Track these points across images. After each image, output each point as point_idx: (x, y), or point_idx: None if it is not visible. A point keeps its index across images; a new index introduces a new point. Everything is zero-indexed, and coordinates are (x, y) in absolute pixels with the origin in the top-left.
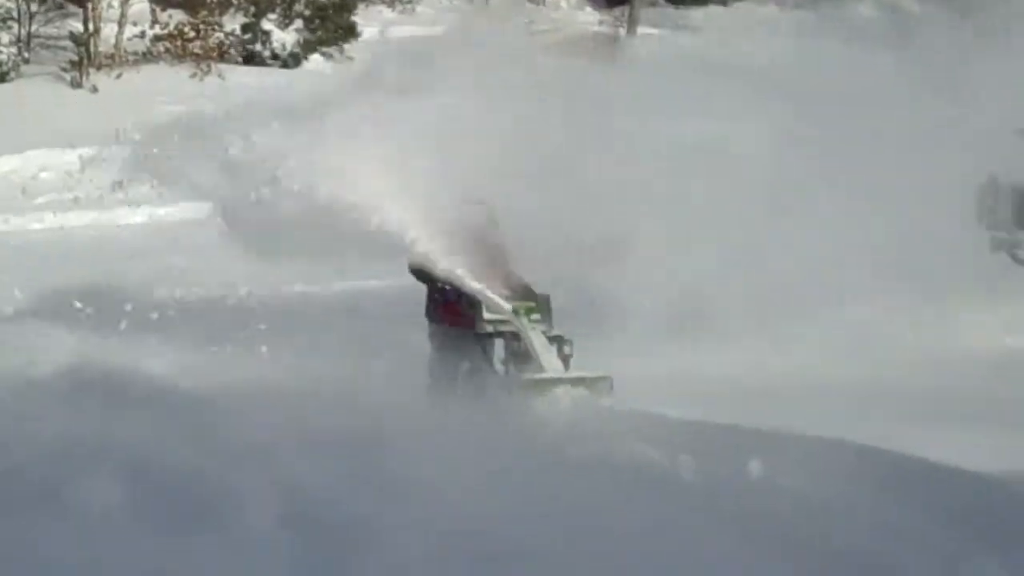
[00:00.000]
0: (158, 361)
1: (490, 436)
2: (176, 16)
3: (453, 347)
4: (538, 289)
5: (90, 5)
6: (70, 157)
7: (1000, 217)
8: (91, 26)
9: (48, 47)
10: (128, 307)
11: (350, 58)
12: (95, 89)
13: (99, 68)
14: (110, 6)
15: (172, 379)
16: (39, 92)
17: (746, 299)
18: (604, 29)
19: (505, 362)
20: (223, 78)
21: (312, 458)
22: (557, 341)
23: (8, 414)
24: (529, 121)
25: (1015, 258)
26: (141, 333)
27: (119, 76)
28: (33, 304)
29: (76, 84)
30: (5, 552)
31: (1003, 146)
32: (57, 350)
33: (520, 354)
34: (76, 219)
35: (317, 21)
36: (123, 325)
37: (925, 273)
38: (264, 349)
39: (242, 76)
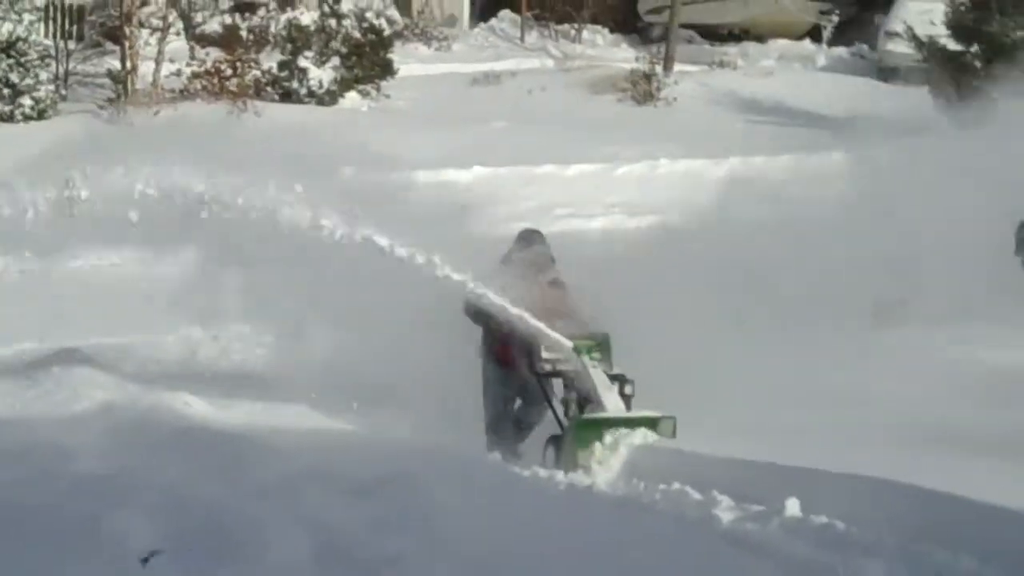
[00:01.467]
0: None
1: (524, 474)
2: (213, 53)
3: (510, 387)
4: (596, 327)
5: (127, 43)
6: None
7: None
8: (128, 63)
9: (86, 84)
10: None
11: (386, 96)
12: (132, 126)
13: (136, 105)
14: (147, 44)
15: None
16: (76, 130)
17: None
18: (640, 66)
19: (564, 402)
20: (259, 115)
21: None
22: (618, 380)
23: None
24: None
25: None
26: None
27: (156, 113)
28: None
29: (113, 121)
30: None
31: None
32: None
33: (580, 393)
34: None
35: (354, 58)
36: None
37: (968, 308)
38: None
39: (279, 113)
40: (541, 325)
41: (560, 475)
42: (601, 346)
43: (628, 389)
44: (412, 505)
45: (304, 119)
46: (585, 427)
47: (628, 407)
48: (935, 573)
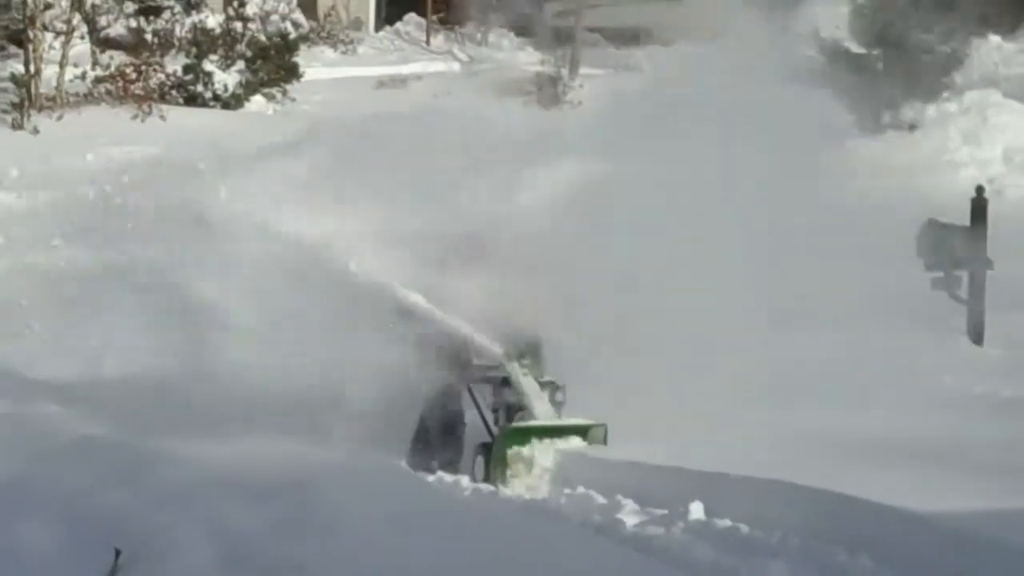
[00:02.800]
0: None
1: (428, 479)
2: (117, 57)
3: (439, 393)
4: (527, 331)
5: (31, 46)
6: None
7: (939, 257)
8: (32, 67)
9: None
10: None
11: (292, 99)
12: (36, 131)
13: (40, 110)
14: (51, 47)
15: None
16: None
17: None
18: (546, 69)
19: (494, 408)
20: (164, 119)
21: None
22: (549, 387)
23: None
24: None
25: (954, 296)
26: None
27: (60, 117)
28: None
29: (17, 126)
30: None
31: None
32: None
33: (510, 401)
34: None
35: (259, 62)
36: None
37: (871, 313)
38: None
39: (184, 117)
40: (470, 329)
41: (465, 480)
42: (533, 351)
43: (559, 396)
44: (313, 511)
45: (209, 122)
46: (514, 436)
47: (559, 414)
48: (837, 573)
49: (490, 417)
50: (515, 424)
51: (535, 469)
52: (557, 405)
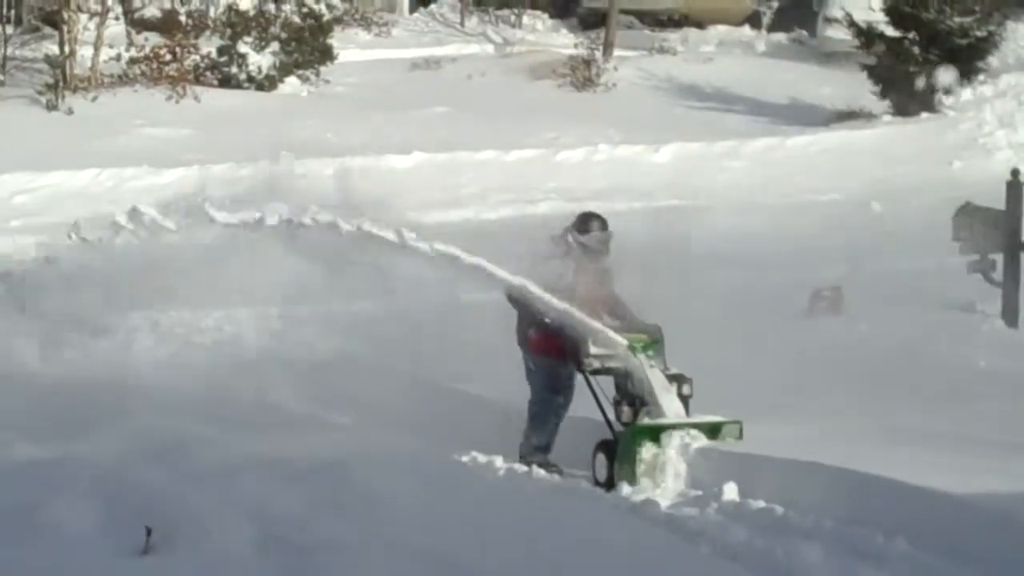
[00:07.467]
0: None
1: (462, 460)
2: (152, 39)
3: (555, 379)
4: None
5: (65, 28)
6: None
7: (975, 240)
8: (67, 48)
9: (24, 69)
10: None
11: (326, 81)
12: (71, 111)
13: (75, 91)
14: (86, 28)
15: None
16: (14, 115)
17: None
18: (580, 51)
19: (617, 402)
20: (199, 100)
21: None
22: (676, 380)
23: None
24: None
25: (989, 280)
26: None
27: (95, 99)
28: None
29: (52, 106)
30: None
31: None
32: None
33: (633, 394)
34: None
35: (293, 44)
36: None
37: (905, 296)
38: None
39: (218, 99)
40: (594, 323)
41: (499, 460)
42: (656, 342)
43: (686, 389)
44: (348, 491)
45: (243, 104)
46: (645, 434)
47: (686, 408)
48: (872, 556)
49: (610, 411)
50: (645, 423)
51: (668, 469)
52: (684, 399)
